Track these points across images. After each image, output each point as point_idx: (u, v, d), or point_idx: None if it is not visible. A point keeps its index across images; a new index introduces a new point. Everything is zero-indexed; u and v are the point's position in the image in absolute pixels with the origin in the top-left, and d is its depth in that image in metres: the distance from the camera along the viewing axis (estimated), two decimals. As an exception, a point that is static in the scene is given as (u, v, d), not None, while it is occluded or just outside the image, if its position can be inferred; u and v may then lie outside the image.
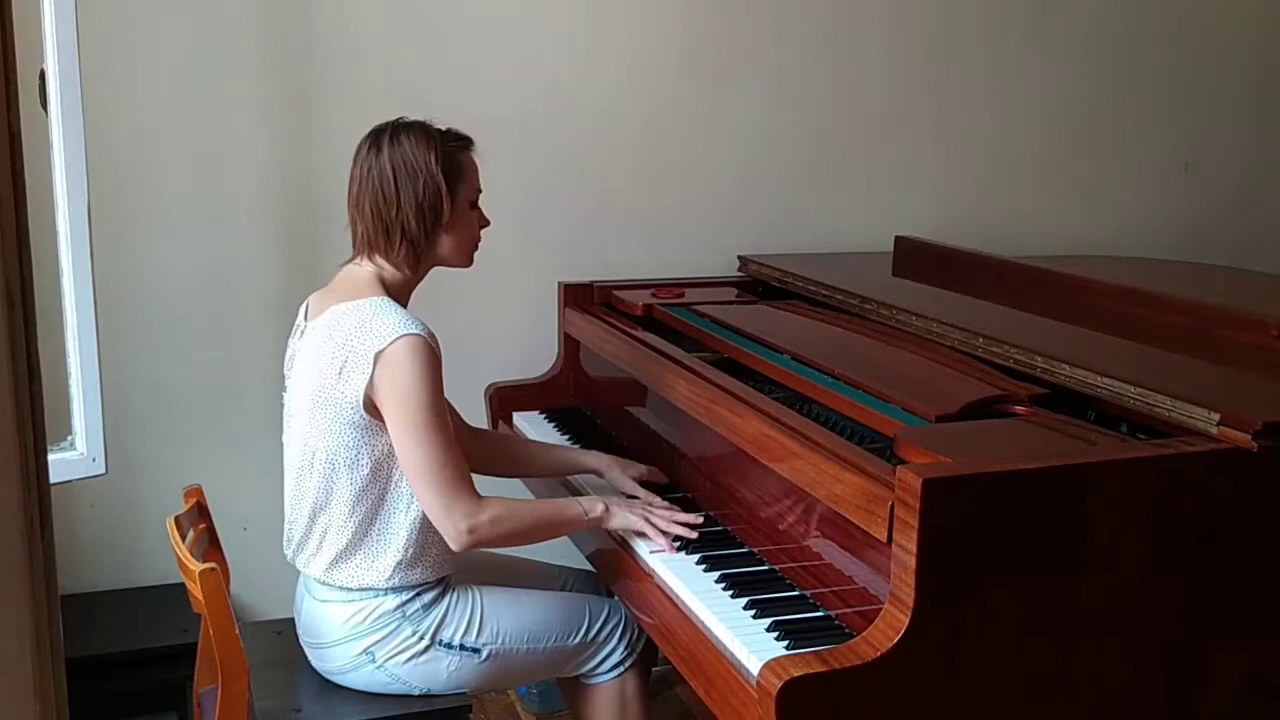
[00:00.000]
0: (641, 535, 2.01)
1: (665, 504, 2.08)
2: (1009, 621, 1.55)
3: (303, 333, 1.98)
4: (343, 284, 1.97)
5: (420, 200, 1.92)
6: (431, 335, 1.88)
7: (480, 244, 2.06)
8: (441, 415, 1.87)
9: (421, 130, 1.96)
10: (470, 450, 2.07)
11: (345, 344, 1.86)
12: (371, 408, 1.87)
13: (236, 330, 2.74)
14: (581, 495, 2.16)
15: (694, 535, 2.00)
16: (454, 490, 1.86)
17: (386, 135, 1.95)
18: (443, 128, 1.99)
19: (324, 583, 1.97)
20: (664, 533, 1.99)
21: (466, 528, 1.86)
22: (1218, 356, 2.05)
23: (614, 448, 2.45)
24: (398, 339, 1.84)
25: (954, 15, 3.20)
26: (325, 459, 1.90)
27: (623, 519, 2.01)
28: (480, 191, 2.03)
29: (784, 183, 3.12)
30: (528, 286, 2.92)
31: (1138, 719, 1.67)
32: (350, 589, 1.94)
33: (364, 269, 1.97)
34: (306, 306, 2.03)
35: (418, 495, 1.89)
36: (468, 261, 2.04)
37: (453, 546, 1.90)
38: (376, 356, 1.84)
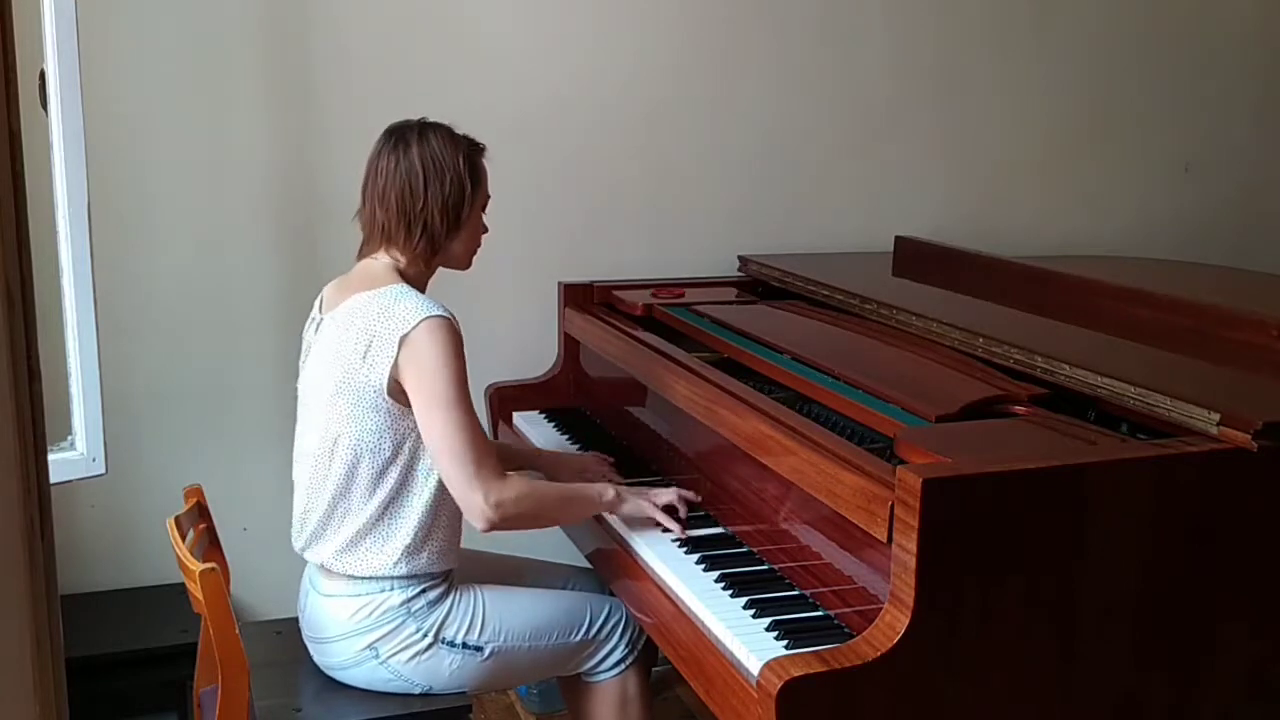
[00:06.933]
0: (651, 519, 2.05)
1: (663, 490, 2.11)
2: (1009, 622, 1.55)
3: (319, 325, 2.00)
4: (361, 275, 2.00)
5: (446, 198, 1.98)
6: (453, 316, 1.91)
7: (479, 250, 2.10)
8: (466, 392, 1.90)
9: (447, 132, 2.01)
10: None
11: (368, 329, 1.89)
12: (395, 392, 1.89)
13: (236, 330, 2.74)
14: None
15: (698, 499, 2.08)
16: (480, 466, 1.88)
17: (414, 133, 1.99)
18: (459, 132, 2.04)
19: (331, 573, 1.97)
20: (675, 519, 2.03)
21: (494, 503, 1.87)
22: (1218, 356, 2.05)
23: (614, 448, 2.45)
24: (421, 322, 1.87)
25: (955, 16, 3.20)
26: (349, 444, 1.92)
27: (634, 505, 2.05)
28: (489, 198, 2.07)
29: (785, 183, 3.12)
30: (528, 286, 2.92)
31: (1137, 719, 1.67)
32: (357, 578, 1.95)
33: (380, 261, 2.00)
34: (321, 299, 2.05)
35: (443, 473, 1.90)
36: (468, 264, 2.09)
37: (478, 525, 1.90)
38: (401, 340, 1.87)
